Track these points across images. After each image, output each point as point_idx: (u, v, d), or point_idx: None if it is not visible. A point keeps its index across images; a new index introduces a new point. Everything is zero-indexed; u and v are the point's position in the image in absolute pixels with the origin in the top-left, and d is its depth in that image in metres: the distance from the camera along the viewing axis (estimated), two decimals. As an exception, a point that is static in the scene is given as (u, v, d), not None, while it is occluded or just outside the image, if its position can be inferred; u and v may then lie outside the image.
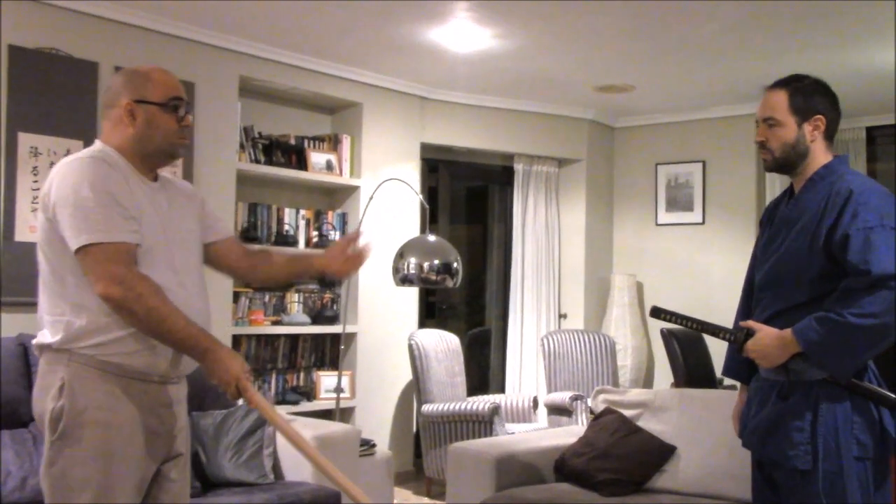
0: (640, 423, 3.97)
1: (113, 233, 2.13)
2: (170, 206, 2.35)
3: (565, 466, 3.86)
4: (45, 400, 2.17)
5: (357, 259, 2.58)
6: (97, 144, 2.30)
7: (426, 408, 5.46)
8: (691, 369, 5.56)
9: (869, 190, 2.43)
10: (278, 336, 5.41)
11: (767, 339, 2.50)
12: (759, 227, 2.79)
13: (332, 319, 5.53)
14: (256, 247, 2.56)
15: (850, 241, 2.37)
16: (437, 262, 4.65)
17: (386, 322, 5.81)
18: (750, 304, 2.73)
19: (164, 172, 2.44)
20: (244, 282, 2.63)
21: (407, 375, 5.81)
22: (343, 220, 5.70)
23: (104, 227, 2.12)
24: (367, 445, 4.38)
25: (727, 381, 4.96)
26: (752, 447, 2.61)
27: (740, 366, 2.73)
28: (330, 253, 2.59)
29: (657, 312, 2.74)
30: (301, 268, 2.67)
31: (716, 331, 2.65)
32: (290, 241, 5.34)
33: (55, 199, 2.15)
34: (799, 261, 2.48)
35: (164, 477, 2.29)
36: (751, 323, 2.56)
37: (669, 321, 2.72)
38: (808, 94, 2.56)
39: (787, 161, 2.58)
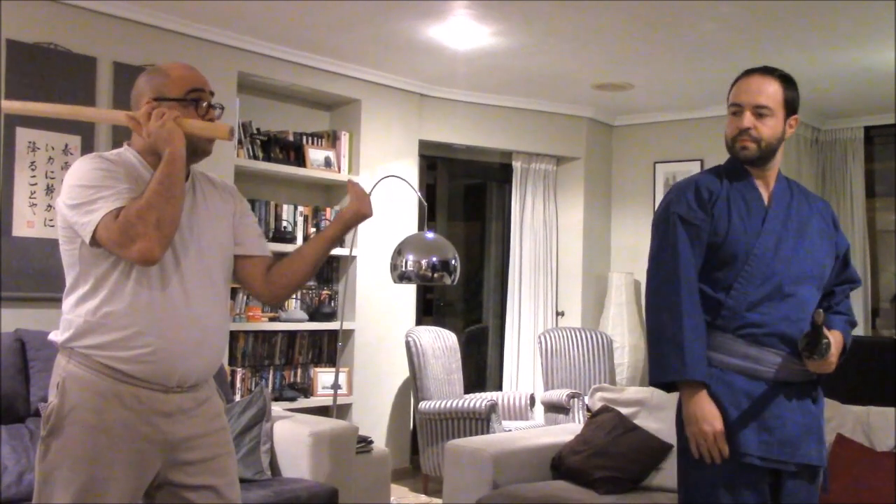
0: (637, 421, 3.98)
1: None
2: (192, 209, 2.23)
3: (562, 464, 3.87)
4: (49, 396, 2.17)
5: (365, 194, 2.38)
6: (122, 147, 2.25)
7: (423, 405, 5.46)
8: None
9: None
10: (276, 332, 5.41)
11: (839, 344, 2.36)
12: (698, 205, 2.46)
13: (330, 316, 5.53)
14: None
15: (849, 254, 2.57)
16: (434, 259, 4.65)
17: (383, 319, 5.81)
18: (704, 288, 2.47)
19: (208, 173, 2.36)
20: (272, 304, 2.44)
21: (404, 372, 5.81)
22: (341, 216, 5.69)
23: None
24: (364, 442, 4.38)
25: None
26: (783, 456, 2.33)
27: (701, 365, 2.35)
28: (353, 195, 2.37)
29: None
30: (323, 237, 2.37)
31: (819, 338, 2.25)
32: (288, 237, 5.34)
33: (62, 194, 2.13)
34: (825, 261, 2.47)
35: (179, 486, 2.18)
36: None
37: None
38: (795, 92, 2.45)
39: (768, 154, 2.41)
